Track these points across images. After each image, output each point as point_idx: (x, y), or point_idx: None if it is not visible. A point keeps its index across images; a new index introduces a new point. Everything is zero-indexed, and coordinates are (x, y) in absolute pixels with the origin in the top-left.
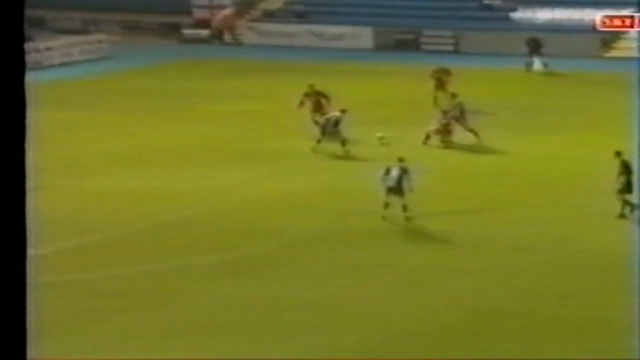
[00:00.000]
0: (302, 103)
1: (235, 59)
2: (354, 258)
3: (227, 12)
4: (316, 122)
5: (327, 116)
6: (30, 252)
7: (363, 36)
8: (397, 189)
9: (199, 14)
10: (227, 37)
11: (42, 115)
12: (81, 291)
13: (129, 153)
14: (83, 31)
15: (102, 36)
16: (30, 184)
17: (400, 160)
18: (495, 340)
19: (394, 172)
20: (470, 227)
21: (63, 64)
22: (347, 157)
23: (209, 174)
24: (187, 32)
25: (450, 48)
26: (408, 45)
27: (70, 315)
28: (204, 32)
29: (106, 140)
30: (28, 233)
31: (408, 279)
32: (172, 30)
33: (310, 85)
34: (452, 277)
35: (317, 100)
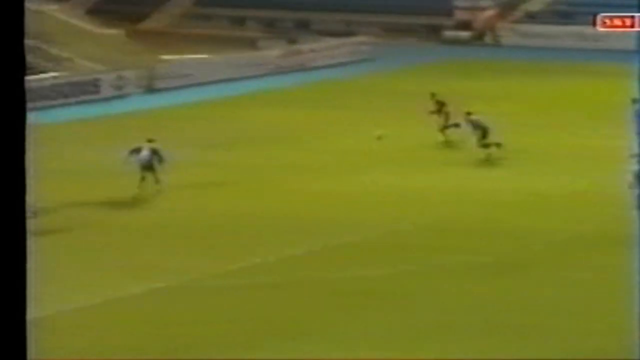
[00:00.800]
0: (434, 112)
1: (495, 60)
2: (612, 262)
3: (490, 13)
4: (443, 129)
5: (474, 119)
6: (285, 252)
7: (627, 37)
8: None
9: (461, 15)
10: (488, 38)
11: (306, 115)
12: (331, 290)
13: (389, 153)
14: (346, 33)
15: (364, 38)
16: (281, 182)
17: None
18: None
19: None
20: None
21: (326, 66)
22: (594, 158)
23: (465, 174)
24: (448, 33)
25: None
26: None
27: (320, 313)
28: (465, 34)
29: (363, 140)
30: (266, 235)
31: None
32: (434, 31)
33: (432, 95)
34: None
35: (441, 108)
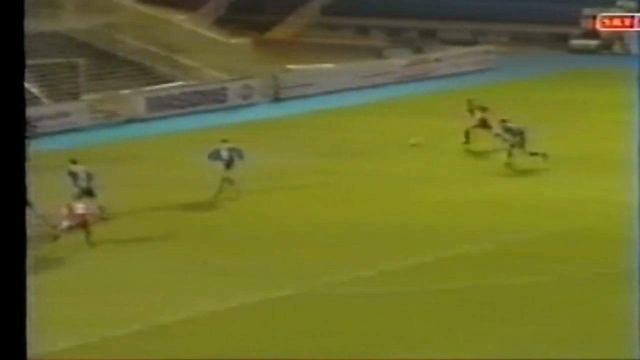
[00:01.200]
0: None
1: (625, 68)
2: None
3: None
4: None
5: (511, 126)
6: (404, 262)
7: None
8: None
9: (588, 24)
10: (616, 47)
11: (430, 124)
12: (449, 300)
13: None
14: (472, 42)
15: (490, 47)
16: (404, 190)
17: None
18: None
19: None
20: None
21: (451, 75)
22: None
23: (601, 183)
24: (575, 42)
25: None
26: None
27: (439, 323)
28: (593, 42)
29: (487, 149)
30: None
31: None
32: (560, 40)
33: (469, 101)
34: None
35: (481, 115)
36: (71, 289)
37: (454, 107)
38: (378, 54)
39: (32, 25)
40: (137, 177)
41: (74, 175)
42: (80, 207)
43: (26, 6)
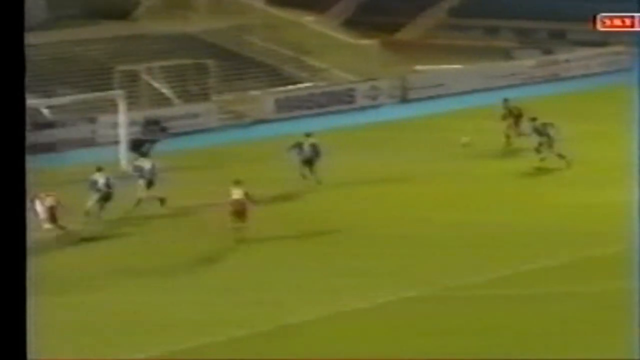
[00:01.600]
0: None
1: None
2: None
3: None
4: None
5: (538, 126)
6: (535, 264)
7: None
8: None
9: None
10: None
11: (559, 126)
12: (583, 303)
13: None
14: (603, 43)
15: (621, 48)
16: (533, 193)
17: None
18: None
19: None
20: None
21: (581, 76)
22: None
23: None
24: None
25: None
26: None
27: (569, 327)
28: None
29: (616, 152)
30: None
31: None
32: None
33: (505, 101)
34: None
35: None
36: (206, 287)
37: (582, 108)
38: (506, 55)
39: (164, 27)
40: (265, 177)
41: (139, 169)
42: (236, 193)
43: (157, 9)
